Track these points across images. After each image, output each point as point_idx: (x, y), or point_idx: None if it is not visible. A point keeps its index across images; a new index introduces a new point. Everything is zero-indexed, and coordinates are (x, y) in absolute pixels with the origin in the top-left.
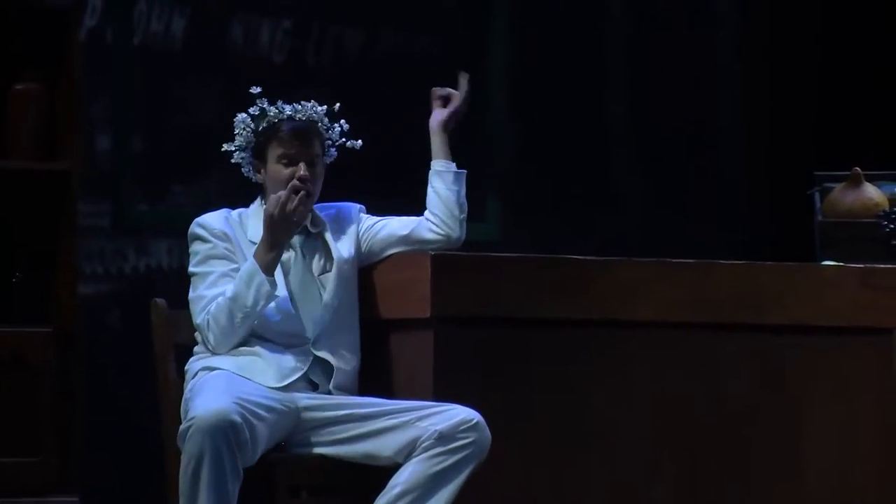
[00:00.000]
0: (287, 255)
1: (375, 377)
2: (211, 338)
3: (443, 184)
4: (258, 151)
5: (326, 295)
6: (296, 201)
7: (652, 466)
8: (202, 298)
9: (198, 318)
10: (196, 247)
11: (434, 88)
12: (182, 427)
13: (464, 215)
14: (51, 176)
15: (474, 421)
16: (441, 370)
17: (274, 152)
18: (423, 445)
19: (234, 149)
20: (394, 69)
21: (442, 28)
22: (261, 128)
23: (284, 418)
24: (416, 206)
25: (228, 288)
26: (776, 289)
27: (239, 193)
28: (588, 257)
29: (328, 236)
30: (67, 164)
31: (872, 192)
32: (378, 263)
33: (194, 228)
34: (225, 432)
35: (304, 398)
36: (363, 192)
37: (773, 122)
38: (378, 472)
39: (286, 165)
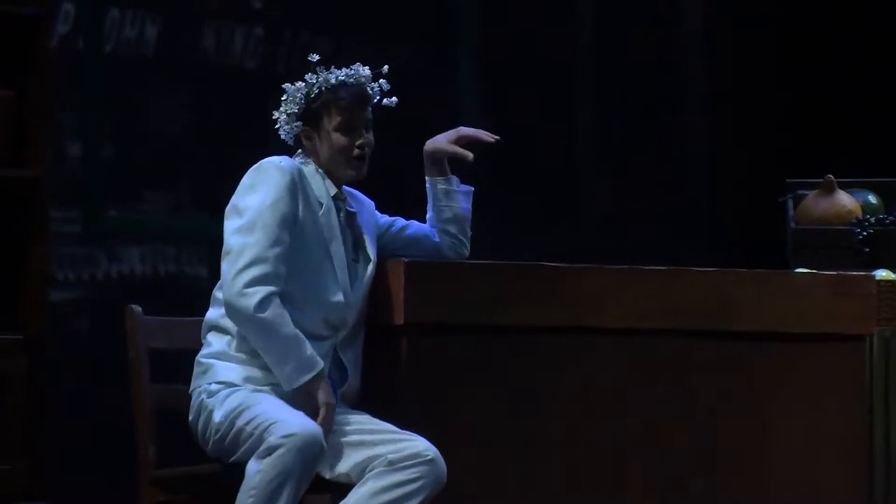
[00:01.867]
0: (333, 222)
1: None
2: (242, 313)
3: (465, 203)
4: (311, 118)
5: (361, 287)
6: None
7: (620, 474)
8: (249, 250)
9: (241, 271)
10: (266, 186)
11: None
12: (273, 440)
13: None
14: (21, 183)
15: (428, 456)
16: (414, 377)
17: (331, 120)
18: (374, 472)
19: (285, 116)
20: None
21: (411, 37)
22: (313, 94)
23: None
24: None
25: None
26: (748, 296)
27: (210, 200)
28: (559, 264)
29: (363, 226)
30: (38, 170)
31: (845, 200)
32: None
33: (270, 169)
34: (315, 455)
35: None
36: None
37: (745, 128)
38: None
39: (345, 133)
